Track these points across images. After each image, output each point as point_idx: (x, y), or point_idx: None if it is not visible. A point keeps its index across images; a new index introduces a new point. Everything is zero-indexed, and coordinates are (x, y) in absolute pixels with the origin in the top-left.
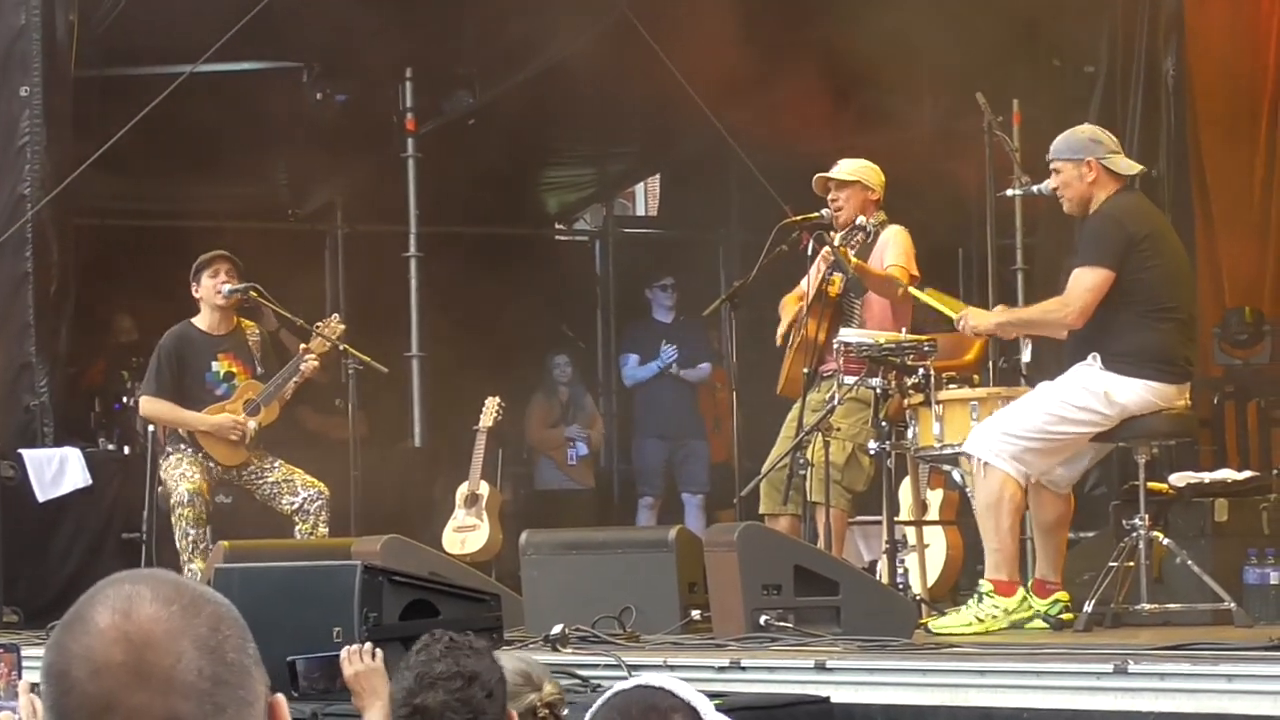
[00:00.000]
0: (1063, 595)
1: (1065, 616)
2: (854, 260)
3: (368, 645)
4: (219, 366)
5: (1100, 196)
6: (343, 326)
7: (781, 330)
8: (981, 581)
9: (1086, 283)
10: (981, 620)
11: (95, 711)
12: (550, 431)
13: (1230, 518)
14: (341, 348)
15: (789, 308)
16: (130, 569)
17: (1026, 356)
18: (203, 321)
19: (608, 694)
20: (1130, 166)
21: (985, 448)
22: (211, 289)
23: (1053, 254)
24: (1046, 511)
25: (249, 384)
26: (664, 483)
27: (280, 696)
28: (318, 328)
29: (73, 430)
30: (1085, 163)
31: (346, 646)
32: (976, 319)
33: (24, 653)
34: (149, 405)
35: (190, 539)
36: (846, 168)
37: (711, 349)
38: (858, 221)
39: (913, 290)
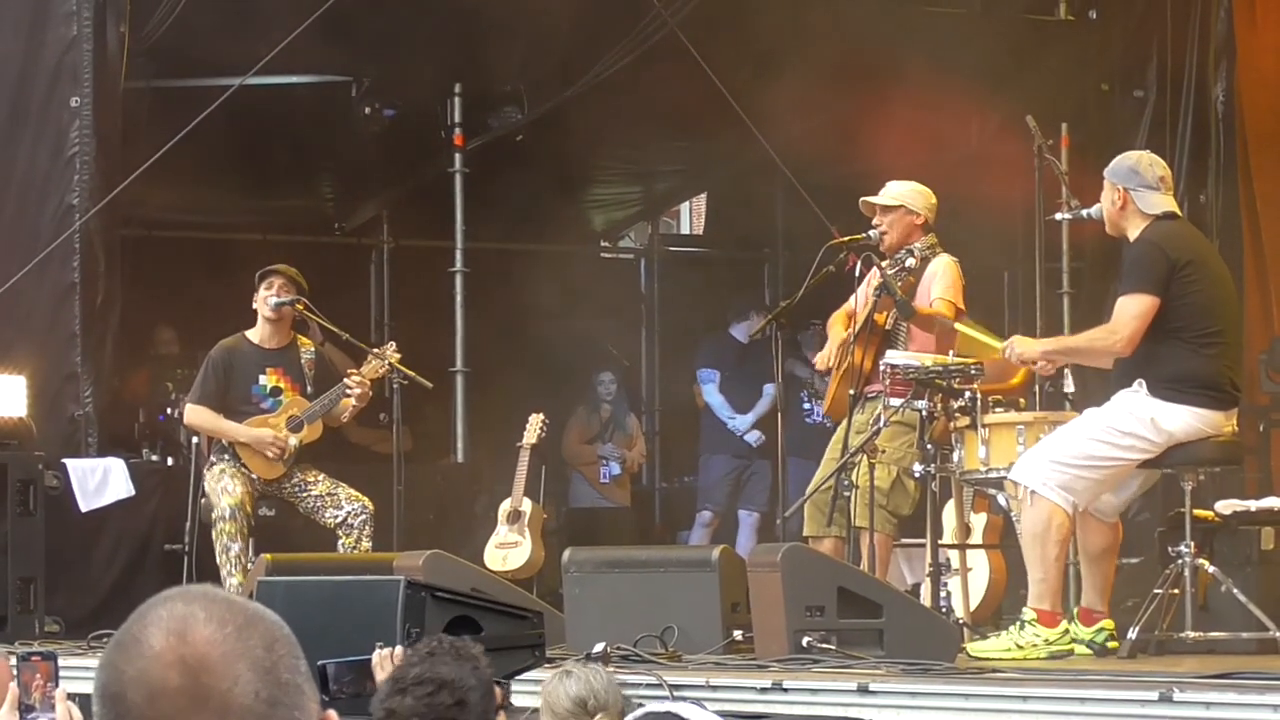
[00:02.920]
0: (1108, 624)
1: (1110, 645)
2: (903, 295)
3: (399, 649)
4: (266, 380)
5: (1136, 224)
6: (398, 355)
7: (826, 355)
8: (1025, 609)
9: (1132, 310)
10: (1021, 648)
11: None
12: (584, 447)
13: (1277, 546)
14: (388, 363)
15: (836, 327)
16: (173, 583)
17: (1070, 386)
18: (256, 334)
19: (635, 714)
20: (1158, 205)
21: (1033, 476)
22: (263, 301)
23: (1099, 278)
24: (1093, 540)
25: (295, 400)
26: (727, 501)
27: (332, 712)
28: (374, 353)
29: (117, 441)
30: (1117, 189)
31: (378, 650)
32: (1023, 347)
33: (61, 662)
34: (192, 413)
35: (232, 554)
36: (891, 192)
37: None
38: (907, 264)
39: (959, 326)
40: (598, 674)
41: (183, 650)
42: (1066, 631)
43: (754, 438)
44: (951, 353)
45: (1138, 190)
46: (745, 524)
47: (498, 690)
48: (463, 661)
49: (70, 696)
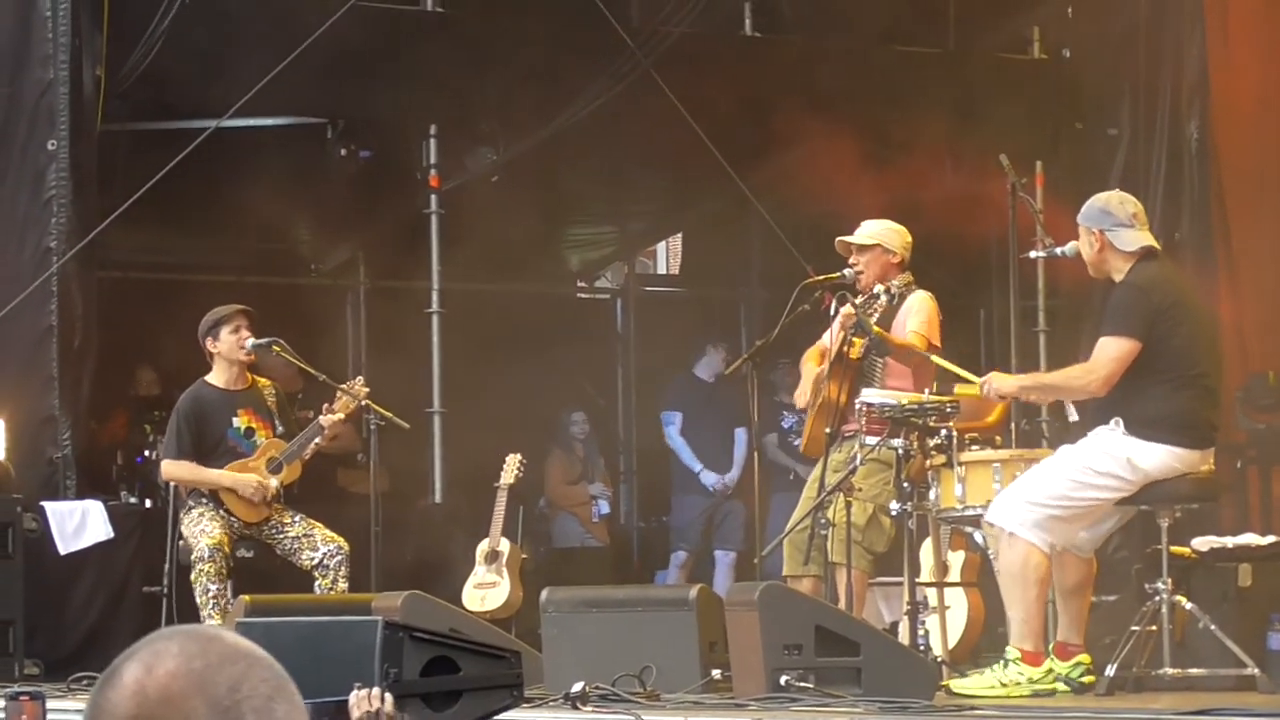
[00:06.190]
0: (1084, 658)
1: (1087, 679)
2: (875, 327)
3: (375, 690)
4: (240, 422)
5: (1118, 266)
6: (366, 389)
7: (801, 391)
8: (1009, 648)
9: (1112, 352)
10: (1005, 685)
11: None
12: (572, 488)
13: (1254, 583)
14: (364, 403)
15: (809, 364)
16: (152, 625)
17: (1073, 415)
18: (218, 379)
19: None
20: (1134, 241)
21: (1009, 517)
22: (234, 344)
23: (1074, 316)
24: (1069, 575)
25: (272, 442)
26: (701, 540)
27: None
28: (343, 389)
29: (95, 483)
30: (1092, 232)
31: (355, 691)
32: (999, 382)
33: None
34: (170, 468)
35: (211, 594)
36: (867, 230)
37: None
38: (875, 290)
39: (935, 360)
40: None
41: (146, 682)
42: (1050, 670)
43: (711, 480)
44: (928, 390)
45: (1112, 230)
46: (722, 564)
47: None
48: None
49: None
